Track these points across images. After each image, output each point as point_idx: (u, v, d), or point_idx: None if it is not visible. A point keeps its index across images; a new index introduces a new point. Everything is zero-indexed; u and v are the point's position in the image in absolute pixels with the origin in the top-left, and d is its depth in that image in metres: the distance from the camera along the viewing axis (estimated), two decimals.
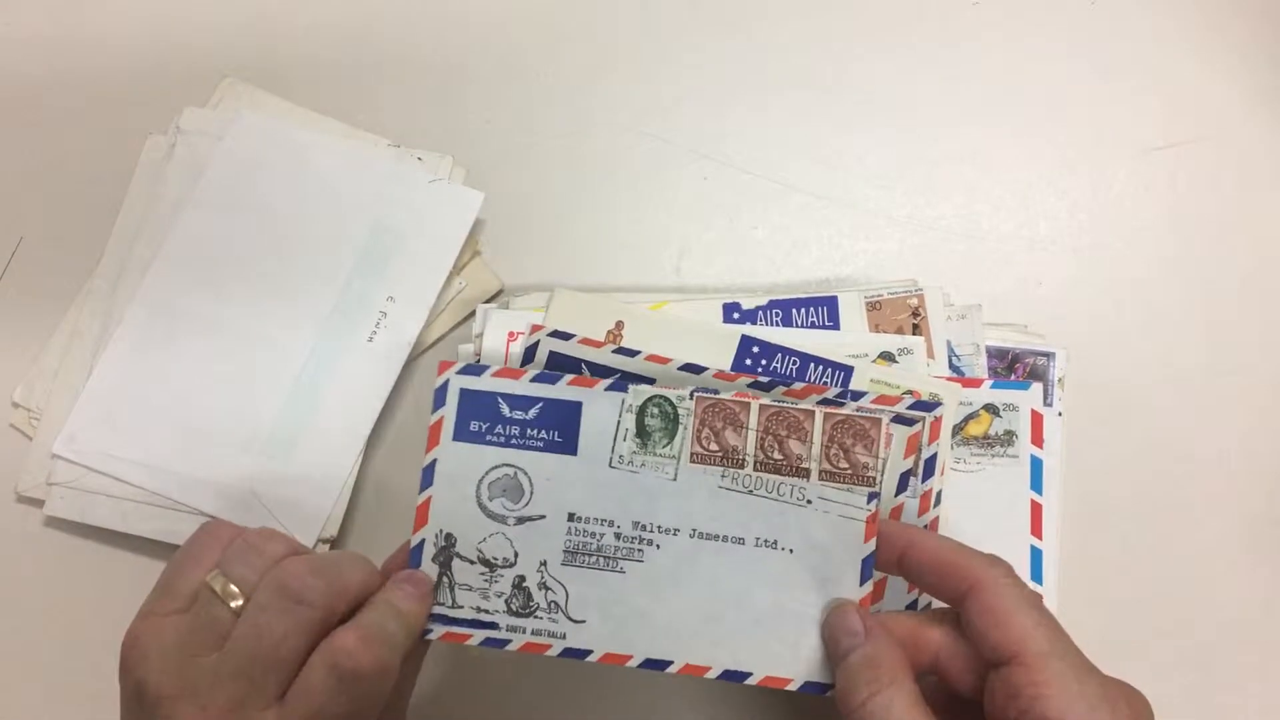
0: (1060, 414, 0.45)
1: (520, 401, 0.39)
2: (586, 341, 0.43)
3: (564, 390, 0.39)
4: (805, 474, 0.37)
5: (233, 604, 0.34)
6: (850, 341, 0.44)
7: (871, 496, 0.37)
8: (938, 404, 0.42)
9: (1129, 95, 0.53)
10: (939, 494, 0.42)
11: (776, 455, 0.37)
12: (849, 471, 0.37)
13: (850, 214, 0.52)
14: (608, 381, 0.39)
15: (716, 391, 0.38)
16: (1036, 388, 0.44)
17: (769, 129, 0.53)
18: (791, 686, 0.37)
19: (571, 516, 0.38)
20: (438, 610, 0.38)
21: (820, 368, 0.43)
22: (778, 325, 0.45)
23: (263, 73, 0.52)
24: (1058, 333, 0.48)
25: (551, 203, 0.52)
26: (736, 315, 0.45)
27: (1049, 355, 0.46)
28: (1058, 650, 0.32)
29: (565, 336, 0.43)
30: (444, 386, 0.39)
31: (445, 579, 0.38)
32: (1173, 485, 0.49)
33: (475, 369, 0.39)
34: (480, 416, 0.39)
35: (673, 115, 0.53)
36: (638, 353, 0.43)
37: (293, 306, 0.47)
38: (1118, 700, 0.31)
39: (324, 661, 0.33)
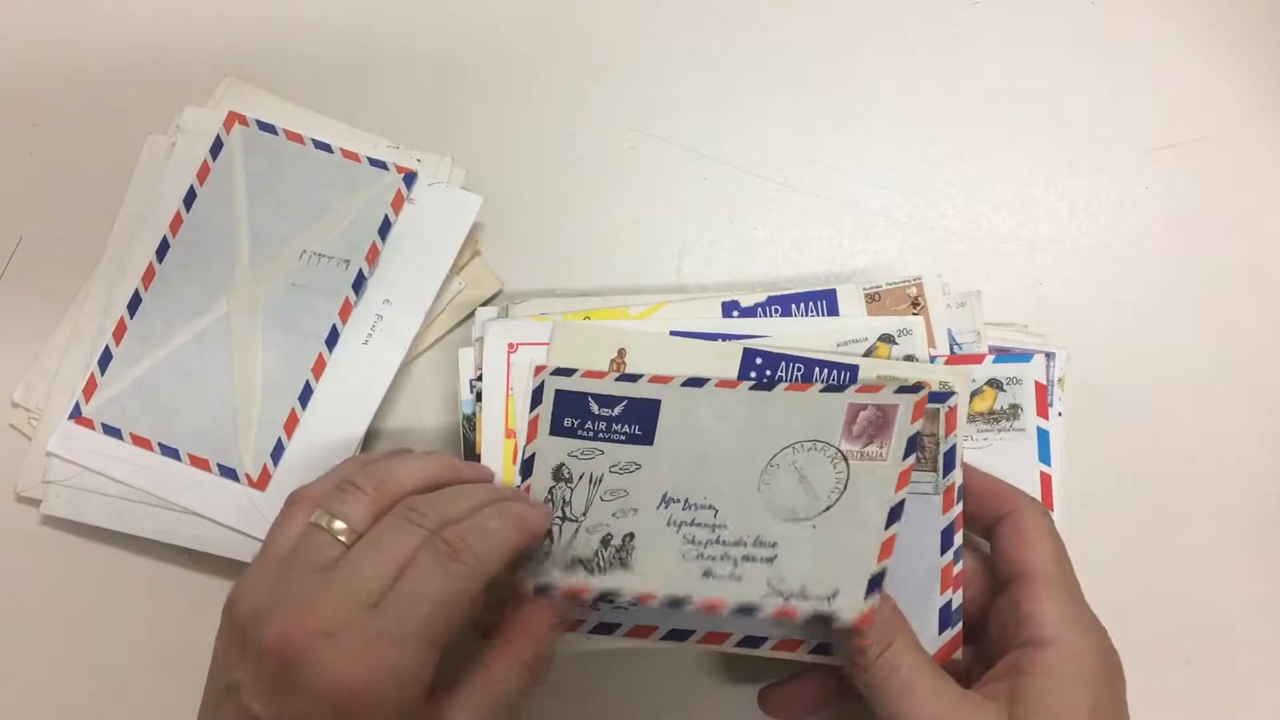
0: (1060, 414, 0.45)
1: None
2: (590, 374, 0.43)
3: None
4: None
5: (340, 537, 0.34)
6: (848, 326, 0.44)
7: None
8: (950, 393, 0.41)
9: (1129, 95, 0.53)
10: (960, 489, 0.40)
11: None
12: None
13: (850, 214, 0.52)
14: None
15: None
16: (1038, 359, 0.44)
17: (769, 129, 0.53)
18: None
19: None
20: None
21: (825, 370, 0.43)
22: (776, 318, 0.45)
23: (263, 73, 0.52)
24: (1058, 333, 0.48)
25: (551, 203, 0.52)
26: (736, 312, 0.45)
27: (1049, 355, 0.46)
28: (1062, 581, 0.36)
29: (568, 373, 0.43)
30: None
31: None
32: (1173, 486, 0.49)
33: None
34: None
35: (673, 115, 0.53)
36: (640, 377, 0.43)
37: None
38: (1103, 640, 0.36)
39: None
